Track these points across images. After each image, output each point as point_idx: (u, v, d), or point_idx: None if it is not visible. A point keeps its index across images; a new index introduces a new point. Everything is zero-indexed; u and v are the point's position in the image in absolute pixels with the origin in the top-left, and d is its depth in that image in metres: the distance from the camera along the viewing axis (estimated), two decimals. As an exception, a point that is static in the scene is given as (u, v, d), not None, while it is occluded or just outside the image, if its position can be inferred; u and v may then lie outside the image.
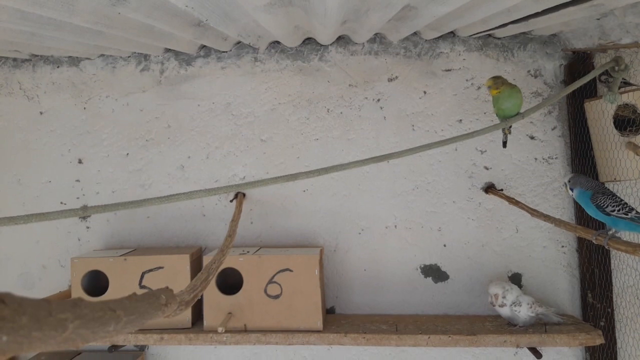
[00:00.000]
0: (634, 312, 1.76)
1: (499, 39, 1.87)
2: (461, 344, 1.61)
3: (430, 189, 1.89)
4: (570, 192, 1.40)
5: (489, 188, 1.85)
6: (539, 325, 1.64)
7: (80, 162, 2.01)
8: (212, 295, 1.69)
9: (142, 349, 1.93)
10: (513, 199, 1.71)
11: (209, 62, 1.98)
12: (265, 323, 1.67)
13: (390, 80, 1.91)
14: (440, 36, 1.86)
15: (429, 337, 1.61)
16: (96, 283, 1.77)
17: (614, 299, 1.76)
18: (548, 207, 1.84)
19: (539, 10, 1.38)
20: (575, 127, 1.79)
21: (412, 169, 1.90)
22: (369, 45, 1.92)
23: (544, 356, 1.67)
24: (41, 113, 2.04)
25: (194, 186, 1.97)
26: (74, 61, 2.03)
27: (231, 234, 1.50)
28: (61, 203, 2.01)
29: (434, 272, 1.88)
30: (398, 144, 1.90)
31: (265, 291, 1.68)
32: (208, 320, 1.69)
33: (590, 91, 1.75)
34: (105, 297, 1.71)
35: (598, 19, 1.52)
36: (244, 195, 1.93)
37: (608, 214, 1.25)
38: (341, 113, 1.93)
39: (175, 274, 1.71)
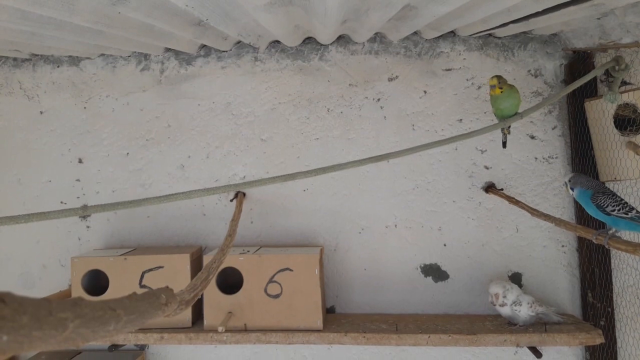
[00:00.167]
0: (634, 312, 1.76)
1: (499, 38, 1.87)
2: (461, 344, 1.61)
3: (431, 188, 1.89)
4: (570, 191, 1.40)
5: (489, 187, 1.85)
6: (539, 325, 1.64)
7: (80, 161, 2.01)
8: (212, 294, 1.69)
9: (142, 348, 1.93)
10: (513, 198, 1.71)
11: (209, 61, 1.98)
12: (266, 322, 1.67)
13: (390, 79, 1.91)
14: (441, 36, 1.86)
15: (429, 337, 1.61)
16: (96, 282, 1.77)
17: (614, 299, 1.76)
18: (548, 207, 1.84)
19: (539, 9, 1.38)
20: (576, 127, 1.79)
21: (412, 169, 1.90)
22: (369, 44, 1.92)
23: (544, 355, 1.67)
24: (41, 112, 2.04)
25: (194, 185, 1.97)
26: (74, 61, 2.03)
27: (231, 234, 1.50)
28: (61, 202, 2.01)
29: (434, 272, 1.88)
30: (398, 144, 1.90)
31: (266, 290, 1.68)
32: (208, 319, 1.69)
33: (590, 91, 1.75)
34: (106, 296, 1.72)
35: (598, 19, 1.52)
36: (244, 194, 1.93)
37: (608, 214, 1.25)
38: (341, 112, 1.93)
39: (175, 273, 1.72)
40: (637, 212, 1.22)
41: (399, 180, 1.90)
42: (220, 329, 1.56)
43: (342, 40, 1.93)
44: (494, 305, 1.67)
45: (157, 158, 1.99)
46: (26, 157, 2.03)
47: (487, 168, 1.87)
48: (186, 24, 1.48)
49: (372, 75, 1.92)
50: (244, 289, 1.68)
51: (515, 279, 1.84)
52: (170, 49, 1.96)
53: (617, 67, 1.53)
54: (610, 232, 1.26)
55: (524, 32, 1.84)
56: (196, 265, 1.80)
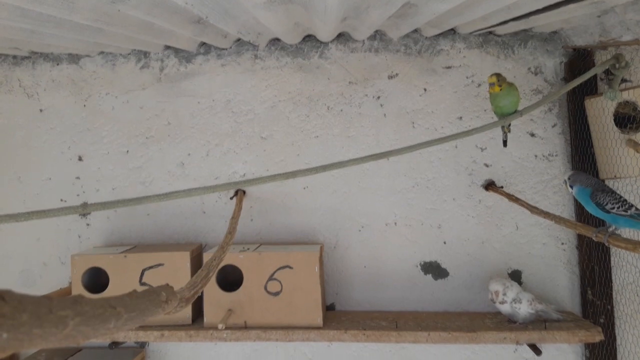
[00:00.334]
0: (633, 309, 1.76)
1: (499, 36, 1.87)
2: (461, 341, 1.61)
3: (430, 186, 1.89)
4: (570, 189, 1.39)
5: (489, 185, 1.85)
6: (539, 322, 1.64)
7: (80, 159, 2.01)
8: (212, 292, 1.69)
9: (142, 345, 1.93)
10: (513, 196, 1.71)
11: (208, 59, 1.98)
12: (266, 320, 1.67)
13: (390, 77, 1.91)
14: (441, 33, 1.86)
15: (428, 334, 1.62)
16: (96, 280, 1.77)
17: (614, 296, 1.76)
18: (548, 205, 1.84)
19: (540, 7, 1.37)
20: (576, 125, 1.79)
21: (412, 166, 1.90)
22: (369, 42, 1.92)
23: (543, 353, 1.67)
24: (41, 110, 2.04)
25: (194, 183, 1.97)
26: (74, 58, 2.03)
27: (231, 231, 1.51)
28: (61, 200, 2.01)
29: (434, 269, 1.88)
30: (398, 142, 1.90)
31: (266, 288, 1.68)
32: (208, 317, 1.69)
33: (590, 88, 1.75)
34: (106, 294, 1.72)
35: (599, 16, 1.52)
36: (244, 192, 1.93)
37: (608, 211, 1.25)
38: (341, 110, 1.93)
39: (175, 271, 1.72)
40: (637, 209, 1.22)
41: (398, 178, 1.90)
42: (220, 326, 1.56)
43: (342, 37, 1.92)
44: (494, 302, 1.67)
45: (157, 156, 1.99)
46: (26, 155, 2.03)
47: (487, 166, 1.87)
48: (186, 21, 1.48)
49: (372, 73, 1.92)
50: (244, 286, 1.69)
51: (515, 276, 1.84)
52: (170, 46, 1.96)
53: (617, 65, 1.53)
54: (610, 229, 1.26)
55: (524, 30, 1.84)
56: (196, 263, 1.80)
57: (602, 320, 1.74)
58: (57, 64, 2.03)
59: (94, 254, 1.76)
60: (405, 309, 1.88)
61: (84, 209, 1.02)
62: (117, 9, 1.22)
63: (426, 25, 1.74)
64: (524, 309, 1.62)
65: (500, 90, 1.46)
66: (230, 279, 1.72)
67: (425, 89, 1.90)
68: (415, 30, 1.88)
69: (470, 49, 1.88)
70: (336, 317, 1.79)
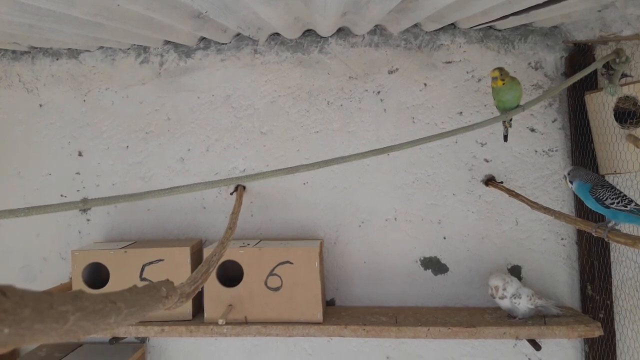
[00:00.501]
0: (633, 304, 1.76)
1: (499, 30, 1.86)
2: (460, 336, 1.62)
3: (430, 181, 1.89)
4: (569, 184, 1.40)
5: (489, 180, 1.85)
6: (538, 318, 1.64)
7: (80, 154, 2.01)
8: (212, 287, 1.70)
9: (143, 340, 1.94)
10: (513, 191, 1.71)
11: (208, 54, 1.97)
12: (266, 315, 1.68)
13: (390, 72, 1.91)
14: (441, 28, 1.85)
15: (428, 329, 1.62)
16: (97, 275, 1.78)
17: (613, 291, 1.76)
18: (548, 200, 1.84)
19: (540, 2, 1.37)
20: (576, 120, 1.78)
21: (412, 162, 1.90)
22: (369, 37, 1.91)
23: (543, 348, 1.68)
24: (41, 105, 2.03)
25: (194, 179, 1.97)
26: (73, 53, 2.02)
27: (231, 227, 1.51)
28: (61, 196, 2.01)
29: (434, 265, 1.89)
30: (398, 137, 1.90)
31: (266, 283, 1.68)
32: (209, 312, 1.69)
33: (590, 83, 1.75)
34: (106, 289, 1.72)
35: (599, 11, 1.51)
36: (244, 187, 1.93)
37: (607, 207, 1.25)
38: (341, 105, 1.92)
39: (175, 266, 1.72)
40: (636, 204, 1.22)
41: (398, 173, 1.90)
42: (220, 321, 1.57)
43: (342, 32, 1.92)
44: (494, 298, 1.68)
45: (157, 151, 1.99)
46: (26, 150, 2.03)
47: (487, 161, 1.87)
48: (185, 16, 1.48)
49: (372, 68, 1.91)
50: (244, 281, 1.69)
51: (515, 271, 1.85)
52: (169, 41, 1.96)
53: (617, 60, 1.53)
54: (610, 225, 1.26)
55: (525, 25, 1.83)
56: (196, 258, 1.80)
57: (601, 316, 1.74)
58: (57, 59, 2.03)
59: (94, 249, 1.76)
60: (405, 304, 1.88)
61: (84, 205, 1.02)
62: (117, 4, 1.22)
63: (426, 20, 1.73)
64: (524, 304, 1.62)
65: (503, 84, 1.46)
66: (231, 275, 1.73)
67: (425, 84, 1.90)
68: (416, 25, 1.87)
69: (470, 43, 1.88)
70: (336, 312, 1.80)
